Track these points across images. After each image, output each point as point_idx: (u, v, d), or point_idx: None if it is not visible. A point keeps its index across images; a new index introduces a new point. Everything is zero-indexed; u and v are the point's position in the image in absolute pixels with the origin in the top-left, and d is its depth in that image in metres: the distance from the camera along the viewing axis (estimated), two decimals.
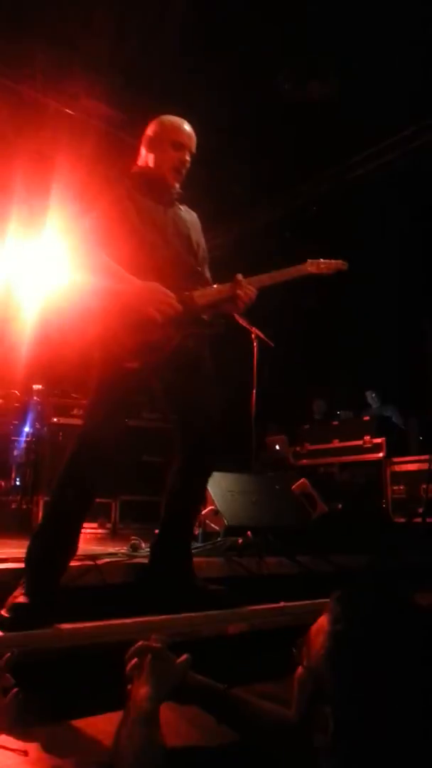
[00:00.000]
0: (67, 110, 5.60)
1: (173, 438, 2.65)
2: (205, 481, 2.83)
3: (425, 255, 6.83)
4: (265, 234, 7.41)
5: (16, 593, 2.17)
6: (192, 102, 5.70)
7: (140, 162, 2.72)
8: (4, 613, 2.09)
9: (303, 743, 1.06)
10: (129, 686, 1.35)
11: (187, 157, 2.67)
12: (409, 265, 7.05)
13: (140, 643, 1.44)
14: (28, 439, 5.40)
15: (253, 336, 4.83)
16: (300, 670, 1.10)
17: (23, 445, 5.39)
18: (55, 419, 5.34)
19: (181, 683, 1.39)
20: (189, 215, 2.78)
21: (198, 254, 2.74)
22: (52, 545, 2.33)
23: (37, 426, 5.42)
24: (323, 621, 1.10)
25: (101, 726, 1.54)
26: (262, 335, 4.84)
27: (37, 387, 5.53)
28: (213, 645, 2.26)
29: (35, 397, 5.51)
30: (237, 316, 4.64)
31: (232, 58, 5.45)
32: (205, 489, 2.84)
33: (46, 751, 1.40)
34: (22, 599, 2.13)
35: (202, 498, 2.80)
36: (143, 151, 2.71)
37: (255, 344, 4.85)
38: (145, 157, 2.70)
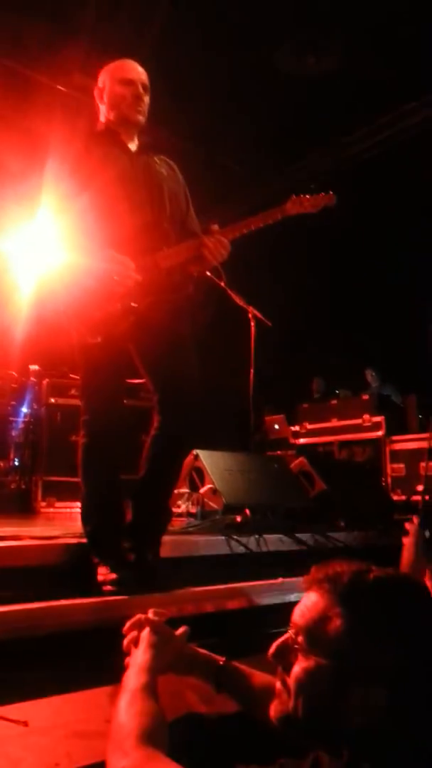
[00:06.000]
0: (60, 87, 5.52)
1: (152, 407, 2.51)
2: (182, 452, 2.60)
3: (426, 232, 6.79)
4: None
5: (101, 570, 2.26)
6: (187, 76, 5.67)
7: (101, 119, 2.62)
8: (107, 588, 2.19)
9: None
10: (127, 659, 1.36)
11: (141, 90, 2.55)
12: (410, 242, 7.02)
13: (138, 616, 1.44)
14: (26, 419, 5.38)
15: (250, 315, 4.80)
16: (306, 663, 1.05)
17: (21, 425, 5.38)
18: (52, 399, 5.33)
19: (180, 655, 1.39)
20: (164, 166, 2.65)
21: (171, 208, 2.58)
22: (103, 522, 2.39)
23: (35, 406, 5.40)
24: (319, 604, 1.08)
25: (100, 698, 1.55)
26: (258, 314, 4.81)
27: (33, 367, 5.51)
28: (214, 620, 2.28)
29: (32, 378, 5.49)
30: (234, 296, 4.65)
31: (229, 33, 5.38)
32: (182, 459, 2.61)
33: (45, 722, 1.41)
34: (113, 575, 2.22)
35: (178, 470, 2.57)
36: (100, 107, 2.62)
37: (252, 323, 4.83)
38: (103, 112, 2.60)
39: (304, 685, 1.04)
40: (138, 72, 2.59)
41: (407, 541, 1.42)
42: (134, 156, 2.58)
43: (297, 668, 1.06)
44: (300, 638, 1.07)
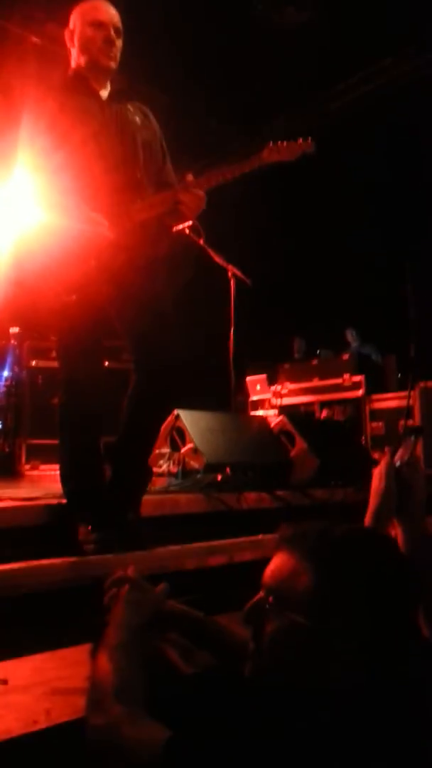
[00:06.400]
0: (33, 38, 5.33)
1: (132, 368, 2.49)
2: (157, 412, 2.54)
3: (406, 193, 6.74)
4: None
5: (82, 530, 2.26)
6: (165, 29, 5.50)
7: (72, 63, 2.51)
8: (88, 548, 2.21)
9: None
10: (107, 616, 1.37)
11: (113, 33, 2.43)
12: (390, 203, 6.96)
13: (118, 573, 1.45)
14: (7, 383, 5.35)
15: (229, 274, 4.76)
16: (278, 623, 1.06)
17: (3, 389, 5.35)
18: (33, 362, 5.30)
19: (159, 611, 1.40)
20: (138, 114, 2.55)
21: (144, 158, 2.49)
22: (82, 482, 2.40)
23: (16, 369, 5.37)
24: (288, 562, 1.09)
25: (80, 656, 1.56)
26: (239, 273, 4.76)
27: (14, 330, 5.45)
28: (195, 577, 2.30)
29: (13, 341, 5.43)
30: (213, 254, 4.60)
31: None
32: (159, 419, 2.55)
33: (25, 680, 1.42)
34: (93, 534, 2.23)
35: (155, 429, 2.55)
36: (71, 50, 2.50)
37: (232, 282, 4.79)
38: (74, 56, 2.49)
39: (276, 644, 1.05)
40: (110, 14, 2.45)
41: (376, 471, 1.42)
42: (106, 105, 2.49)
43: (269, 628, 1.07)
44: (271, 598, 1.08)
